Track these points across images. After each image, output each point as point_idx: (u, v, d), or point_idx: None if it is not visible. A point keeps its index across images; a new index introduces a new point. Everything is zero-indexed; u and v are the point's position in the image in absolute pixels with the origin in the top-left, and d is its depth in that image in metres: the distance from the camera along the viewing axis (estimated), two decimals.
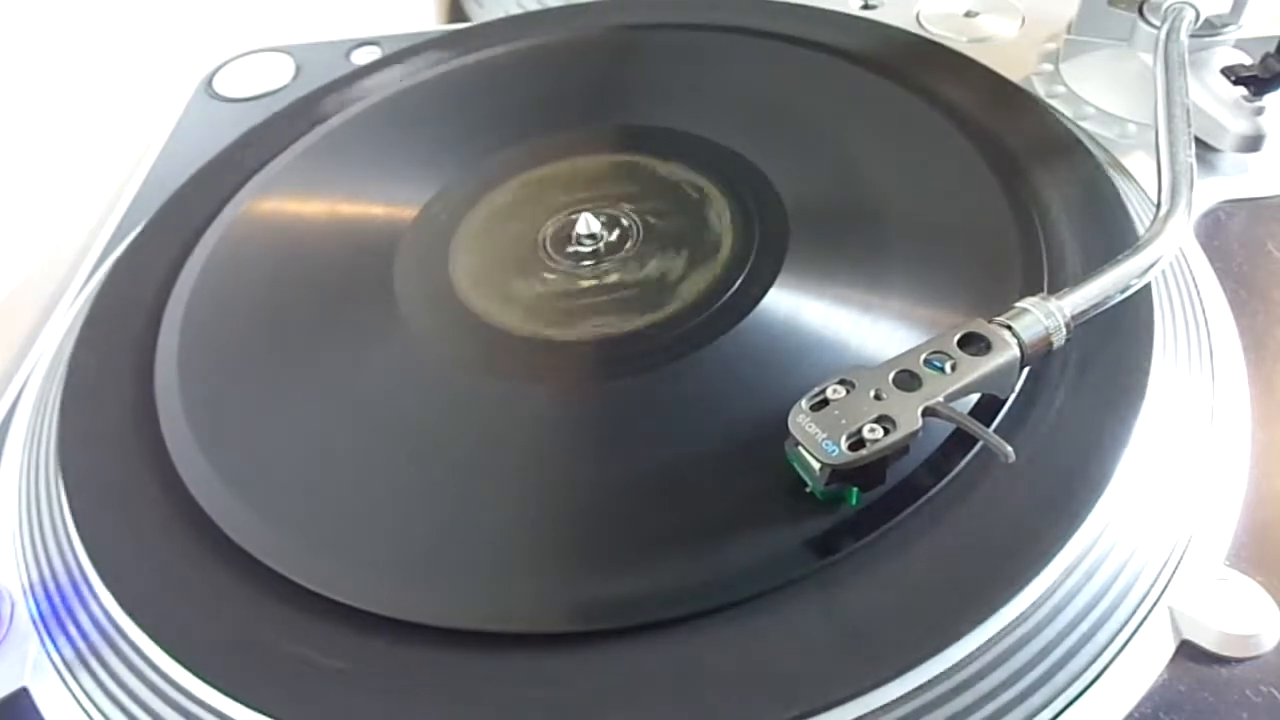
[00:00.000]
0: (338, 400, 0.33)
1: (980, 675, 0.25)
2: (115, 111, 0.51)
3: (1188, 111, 0.35)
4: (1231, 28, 0.41)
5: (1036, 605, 0.25)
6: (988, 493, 0.27)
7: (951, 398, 0.27)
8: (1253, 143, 0.39)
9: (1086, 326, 0.29)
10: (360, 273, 0.37)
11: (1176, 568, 0.27)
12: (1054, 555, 0.26)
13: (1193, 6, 0.39)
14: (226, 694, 0.26)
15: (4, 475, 0.35)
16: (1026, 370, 0.29)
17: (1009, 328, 0.28)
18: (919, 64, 0.43)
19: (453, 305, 0.35)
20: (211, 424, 0.32)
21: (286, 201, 0.41)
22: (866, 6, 0.51)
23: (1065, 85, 0.44)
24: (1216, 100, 0.39)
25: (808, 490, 0.27)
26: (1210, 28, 0.40)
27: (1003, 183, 0.36)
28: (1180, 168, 0.33)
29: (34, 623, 0.30)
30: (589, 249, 0.36)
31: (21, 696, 0.28)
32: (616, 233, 0.36)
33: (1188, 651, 0.26)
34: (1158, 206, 0.32)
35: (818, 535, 0.27)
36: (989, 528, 0.27)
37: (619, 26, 0.48)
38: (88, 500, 0.31)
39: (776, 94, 0.42)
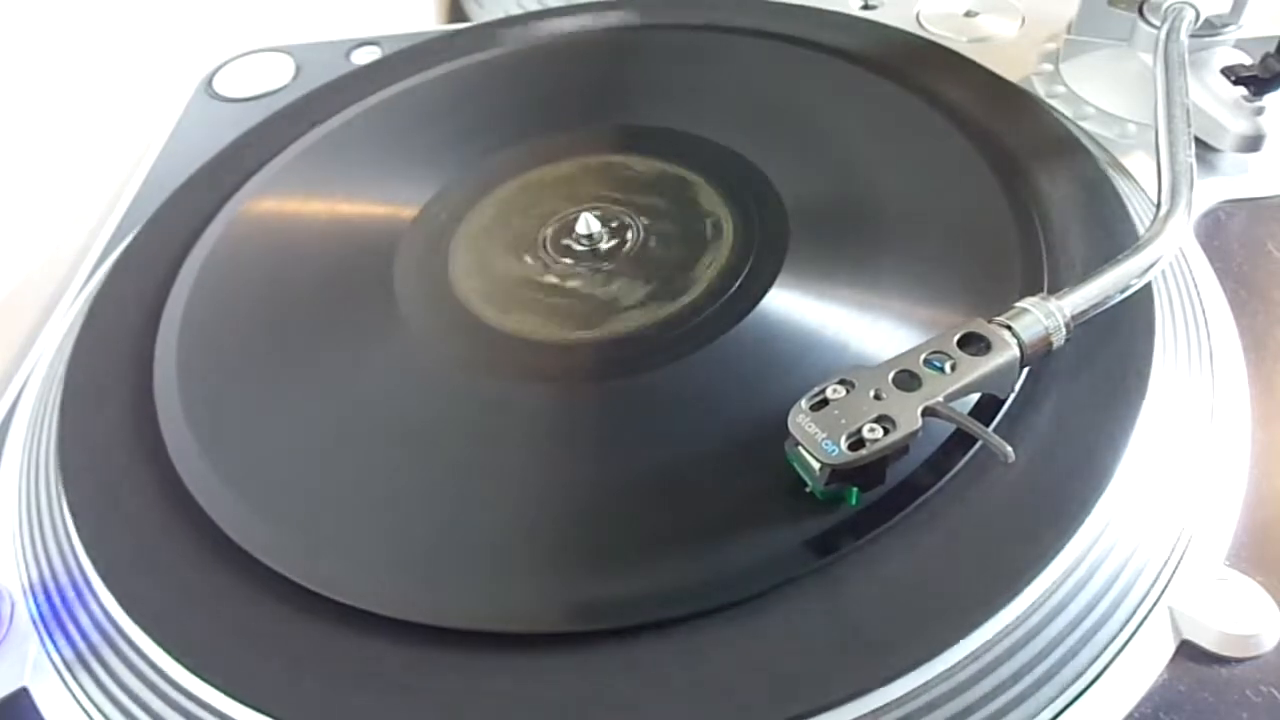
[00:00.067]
0: (337, 400, 0.33)
1: (980, 675, 0.25)
2: (115, 111, 0.51)
3: (1188, 111, 0.35)
4: (1231, 28, 0.41)
5: (1037, 605, 0.25)
6: (987, 493, 0.27)
7: (951, 398, 0.27)
8: (1253, 143, 0.39)
9: (1086, 326, 0.29)
10: (360, 273, 0.37)
11: (1176, 568, 0.27)
12: (1054, 555, 0.26)
13: (1193, 6, 0.39)
14: (227, 694, 0.26)
15: (4, 475, 0.35)
16: (1026, 370, 0.29)
17: (1009, 328, 0.28)
18: (919, 64, 0.43)
19: (452, 305, 0.35)
20: (211, 424, 0.32)
21: (286, 201, 0.41)
22: (866, 6, 0.51)
23: (1065, 85, 0.44)
24: (1216, 100, 0.39)
25: (808, 490, 0.27)
26: (1210, 28, 0.40)
27: (1003, 183, 0.36)
28: (1180, 168, 0.33)
29: (34, 623, 0.30)
30: (589, 249, 0.36)
31: (21, 696, 0.28)
32: (616, 233, 0.36)
33: (1188, 651, 0.26)
34: (1158, 206, 0.32)
35: (817, 535, 0.27)
36: (989, 528, 0.27)
37: (619, 27, 0.48)
38: (88, 500, 0.31)
39: (776, 94, 0.42)
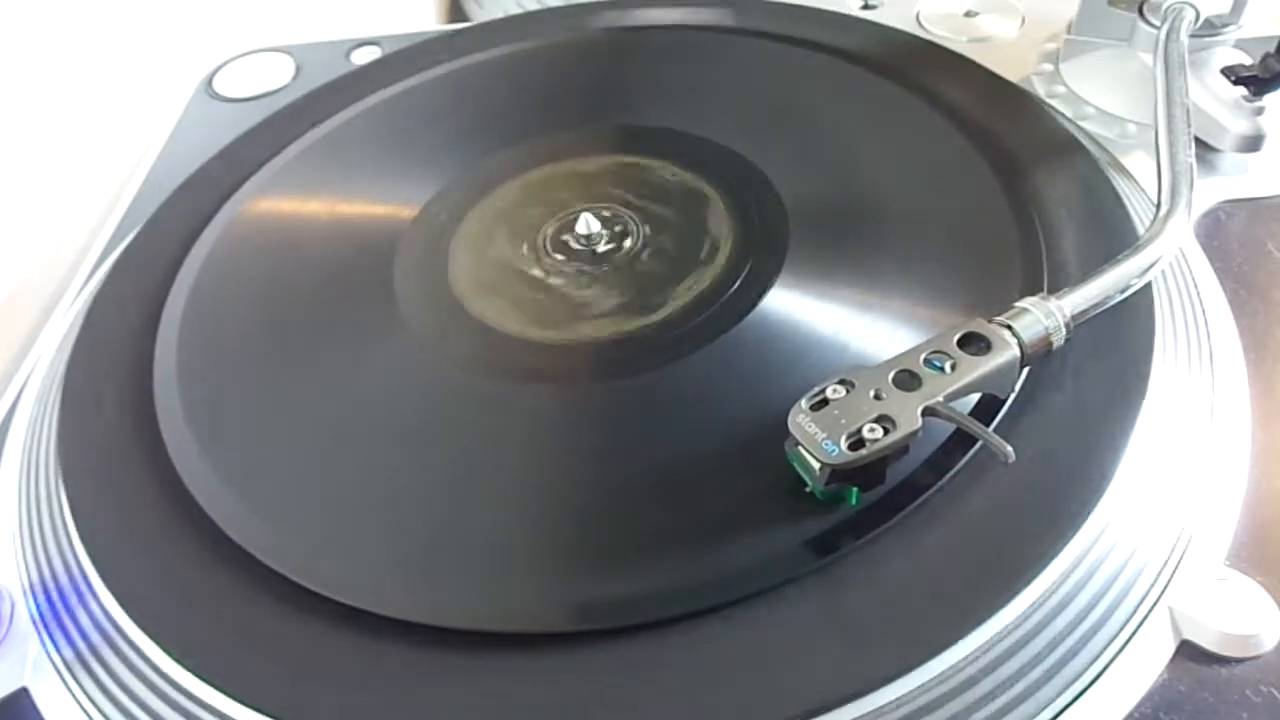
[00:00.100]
0: (337, 400, 0.33)
1: (980, 675, 0.25)
2: (115, 111, 0.51)
3: (1188, 111, 0.35)
4: (1231, 28, 0.41)
5: (1037, 605, 0.25)
6: (987, 492, 0.27)
7: (951, 397, 0.27)
8: (1253, 143, 0.39)
9: (1086, 326, 0.29)
10: (360, 273, 0.37)
11: (1176, 568, 0.27)
12: (1054, 555, 0.26)
13: (1193, 6, 0.39)
14: (227, 694, 0.26)
15: (4, 475, 0.35)
16: (1026, 370, 0.29)
17: (1009, 327, 0.28)
18: (919, 64, 0.43)
19: (453, 305, 0.35)
20: (211, 424, 0.32)
21: (286, 201, 0.41)
22: (866, 6, 0.51)
23: (1065, 85, 0.44)
24: (1216, 100, 0.39)
25: (808, 490, 0.27)
26: (1210, 28, 0.40)
27: (1003, 183, 0.36)
28: (1180, 168, 0.33)
29: (34, 623, 0.30)
30: (588, 249, 0.36)
31: (21, 696, 0.28)
32: (616, 233, 0.36)
33: (1188, 651, 0.26)
34: (1158, 206, 0.32)
35: (817, 535, 0.26)
36: (989, 527, 0.27)
37: (619, 27, 0.48)
38: (88, 500, 0.31)
39: (776, 94, 0.42)
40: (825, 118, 0.41)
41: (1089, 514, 0.26)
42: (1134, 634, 0.26)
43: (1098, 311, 0.29)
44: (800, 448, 0.26)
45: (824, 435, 0.26)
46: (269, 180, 0.42)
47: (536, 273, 0.36)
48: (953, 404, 0.26)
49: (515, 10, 0.60)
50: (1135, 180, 0.39)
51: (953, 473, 0.27)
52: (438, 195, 0.40)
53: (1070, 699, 0.25)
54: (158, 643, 0.27)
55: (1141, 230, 0.34)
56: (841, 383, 0.27)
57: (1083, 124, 0.42)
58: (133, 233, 0.42)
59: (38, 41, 0.46)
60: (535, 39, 0.48)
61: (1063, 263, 0.33)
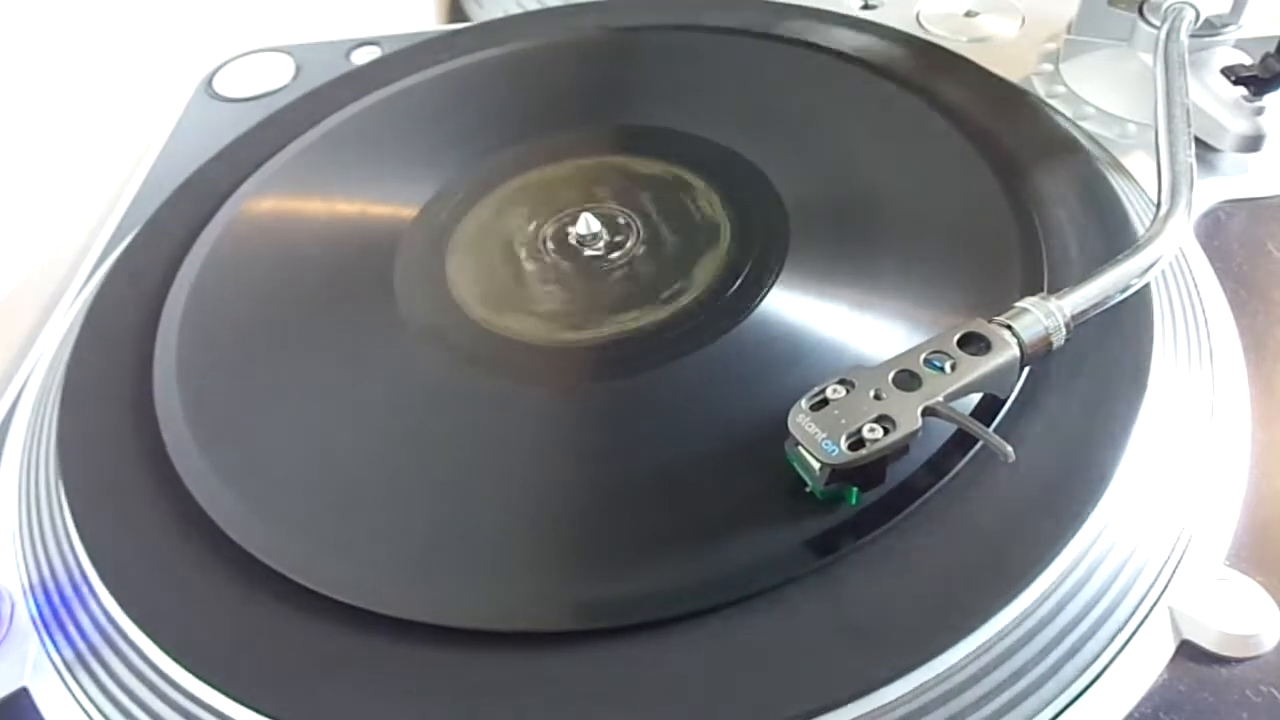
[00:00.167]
0: (337, 400, 0.33)
1: (980, 675, 0.25)
2: (115, 111, 0.51)
3: (1188, 111, 0.35)
4: (1231, 28, 0.41)
5: (1036, 605, 0.25)
6: (987, 492, 0.27)
7: (951, 397, 0.27)
8: (1253, 143, 0.39)
9: (1086, 326, 0.29)
10: (360, 273, 0.37)
11: (1176, 568, 0.27)
12: (1054, 555, 0.26)
13: (1193, 6, 0.39)
14: (226, 694, 0.26)
15: (4, 475, 0.35)
16: (1026, 370, 0.29)
17: (1009, 327, 0.28)
18: (919, 64, 0.43)
19: (452, 305, 0.35)
20: (211, 423, 0.32)
21: (286, 201, 0.41)
22: (866, 6, 0.51)
23: (1065, 85, 0.44)
24: (1216, 100, 0.39)
25: (807, 490, 0.27)
26: (1210, 28, 0.40)
27: (1003, 183, 0.36)
28: (1180, 168, 0.33)
29: (34, 623, 0.30)
30: (589, 249, 0.36)
31: (21, 696, 0.28)
32: (616, 233, 0.36)
33: (1188, 651, 0.26)
34: (1158, 206, 0.32)
35: (817, 535, 0.26)
36: (989, 528, 0.27)
37: (619, 27, 0.48)
38: (88, 500, 0.31)
39: (776, 94, 0.42)
40: (825, 118, 0.41)
41: (1089, 514, 0.26)
42: (1134, 634, 0.26)
43: (1098, 311, 0.29)
44: (800, 448, 0.26)
45: (824, 435, 0.26)
46: (269, 180, 0.42)
47: (536, 273, 0.36)
48: (953, 404, 0.26)
49: (515, 10, 0.60)
50: (1135, 180, 0.39)
51: (953, 473, 0.27)
52: (438, 195, 0.40)
53: (1070, 699, 0.25)
54: (158, 643, 0.27)
55: (1141, 230, 0.34)
56: (841, 383, 0.27)
57: (1083, 124, 0.42)
58: (133, 233, 0.42)
59: (38, 41, 0.46)
60: (535, 39, 0.48)
61: (1063, 263, 0.33)
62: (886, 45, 0.44)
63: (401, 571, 0.28)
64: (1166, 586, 0.27)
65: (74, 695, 0.28)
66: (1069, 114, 0.42)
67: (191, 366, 0.34)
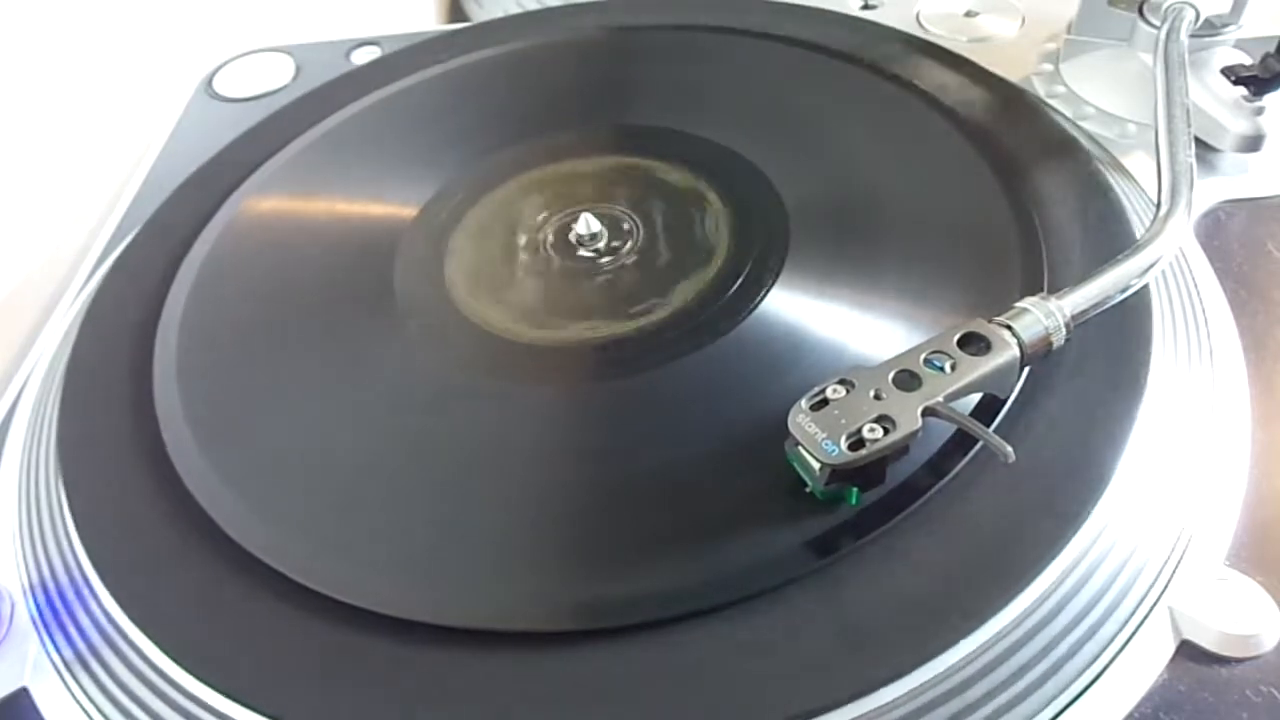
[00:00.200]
0: (337, 400, 0.33)
1: (980, 675, 0.25)
2: (115, 111, 0.51)
3: (1188, 111, 0.35)
4: (1231, 28, 0.41)
5: (1037, 605, 0.25)
6: (987, 493, 0.27)
7: (951, 398, 0.27)
8: (1253, 143, 0.39)
9: (1086, 326, 0.29)
10: (360, 273, 0.37)
11: (1176, 568, 0.27)
12: (1054, 555, 0.26)
13: (1193, 6, 0.39)
14: (226, 694, 0.26)
15: (4, 475, 0.35)
16: (1026, 370, 0.29)
17: (1009, 328, 0.28)
18: (919, 64, 0.43)
19: (452, 305, 0.35)
20: (210, 423, 0.32)
21: (285, 201, 0.41)
22: (866, 6, 0.51)
23: (1065, 85, 0.44)
24: (1216, 100, 0.39)
25: (807, 490, 0.27)
26: (1210, 28, 0.40)
27: (1003, 183, 0.36)
28: (1180, 168, 0.33)
29: (34, 623, 0.30)
30: (589, 249, 0.36)
31: (21, 696, 0.28)
32: (617, 233, 0.36)
33: (1188, 651, 0.26)
34: (1158, 206, 0.32)
35: (817, 535, 0.26)
36: (989, 528, 0.27)
37: (619, 26, 0.48)
38: (87, 500, 0.31)
39: (776, 94, 0.42)
40: (825, 118, 0.41)
41: (1088, 514, 0.26)
42: (1134, 634, 0.26)
43: (1098, 312, 0.29)
44: (800, 448, 0.26)
45: (824, 435, 0.26)
46: (269, 180, 0.42)
47: (537, 272, 0.36)
48: (953, 404, 0.26)
49: (515, 10, 0.60)
50: (1135, 180, 0.39)
51: (953, 473, 0.27)
52: (438, 195, 0.40)
53: (1070, 699, 0.25)
54: (157, 643, 0.27)
55: (1141, 230, 0.34)
56: (841, 383, 0.27)
57: (1083, 124, 0.42)
58: (133, 233, 0.42)
59: (38, 41, 0.46)
60: (535, 39, 0.48)
61: (1063, 263, 0.33)
62: (886, 45, 0.44)
63: (401, 571, 0.28)
64: (1166, 586, 0.27)
65: (74, 695, 0.28)
66: (1069, 114, 0.42)
67: (191, 366, 0.34)
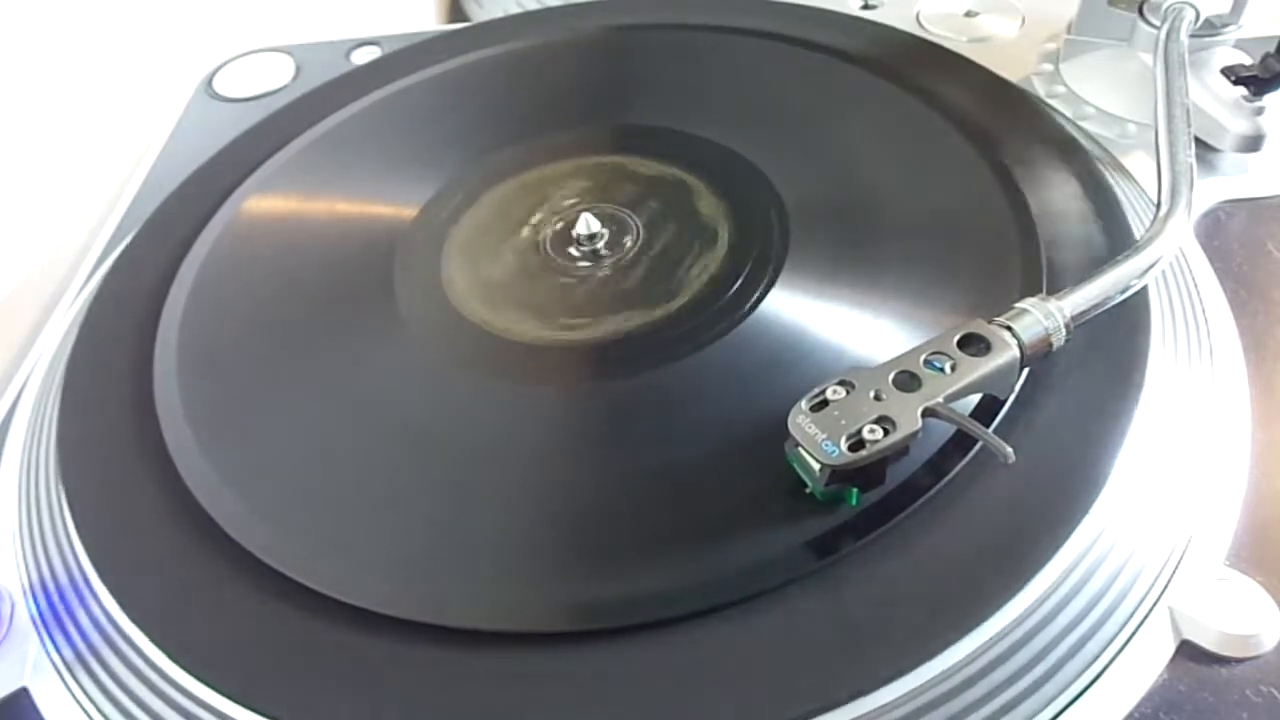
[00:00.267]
0: (337, 400, 0.33)
1: (980, 675, 0.25)
2: (115, 111, 0.51)
3: (1188, 111, 0.35)
4: (1231, 28, 0.41)
5: (1036, 605, 0.25)
6: (987, 493, 0.27)
7: (951, 398, 0.27)
8: (1253, 143, 0.39)
9: (1085, 326, 0.29)
10: (360, 273, 0.37)
11: (1176, 568, 0.27)
12: (1053, 556, 0.26)
13: (1193, 6, 0.39)
14: (226, 694, 0.26)
15: (4, 475, 0.35)
16: (1026, 371, 0.29)
17: (1009, 328, 0.28)
18: (919, 64, 0.43)
19: (452, 305, 0.35)
20: (211, 423, 0.32)
21: (285, 201, 0.41)
22: (866, 6, 0.51)
23: (1065, 85, 0.44)
24: (1216, 100, 0.39)
25: (807, 491, 0.27)
26: (1210, 28, 0.40)
27: (1003, 183, 0.36)
28: (1180, 168, 0.33)
29: (34, 623, 0.30)
30: (589, 249, 0.36)
31: (21, 696, 0.28)
32: (616, 233, 0.36)
33: (1188, 651, 0.26)
34: (1158, 206, 0.32)
35: (817, 535, 0.26)
36: (988, 528, 0.27)
37: (619, 26, 0.48)
38: (87, 500, 0.31)
39: (776, 94, 0.42)
40: (825, 118, 0.41)
41: (1088, 514, 0.26)
42: (1134, 634, 0.26)
43: (1098, 312, 0.29)
44: (800, 449, 0.26)
45: (824, 436, 0.26)
46: (269, 180, 0.42)
47: (536, 273, 0.36)
48: (952, 405, 0.26)
49: (515, 10, 0.60)
50: (1135, 180, 0.39)
51: (952, 474, 0.27)
52: (437, 195, 0.40)
53: (1070, 699, 0.25)
54: (157, 643, 0.27)
55: (1141, 230, 0.34)
56: (841, 383, 0.27)
57: (1083, 124, 0.42)
58: (133, 233, 0.42)
59: (38, 41, 0.46)
60: (535, 38, 0.48)
61: (1062, 263, 0.33)
62: (886, 45, 0.44)
63: (401, 571, 0.28)
64: (1166, 586, 0.27)
65: (74, 695, 0.28)
66: (1069, 114, 0.42)
67: (191, 366, 0.34)
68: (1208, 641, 0.26)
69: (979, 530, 0.27)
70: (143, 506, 0.30)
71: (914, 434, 0.26)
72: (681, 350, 0.32)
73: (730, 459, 0.29)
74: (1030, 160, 0.37)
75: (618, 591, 0.26)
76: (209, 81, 0.52)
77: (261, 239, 0.39)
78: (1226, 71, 0.40)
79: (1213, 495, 0.29)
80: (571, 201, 0.38)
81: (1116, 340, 0.30)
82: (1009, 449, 0.25)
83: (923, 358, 0.27)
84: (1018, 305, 0.28)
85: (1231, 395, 0.31)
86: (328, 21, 0.65)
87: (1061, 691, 0.25)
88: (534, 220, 0.38)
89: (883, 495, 0.27)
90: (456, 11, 0.71)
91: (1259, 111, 0.39)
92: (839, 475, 0.26)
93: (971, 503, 0.27)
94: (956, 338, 0.28)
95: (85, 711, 0.28)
